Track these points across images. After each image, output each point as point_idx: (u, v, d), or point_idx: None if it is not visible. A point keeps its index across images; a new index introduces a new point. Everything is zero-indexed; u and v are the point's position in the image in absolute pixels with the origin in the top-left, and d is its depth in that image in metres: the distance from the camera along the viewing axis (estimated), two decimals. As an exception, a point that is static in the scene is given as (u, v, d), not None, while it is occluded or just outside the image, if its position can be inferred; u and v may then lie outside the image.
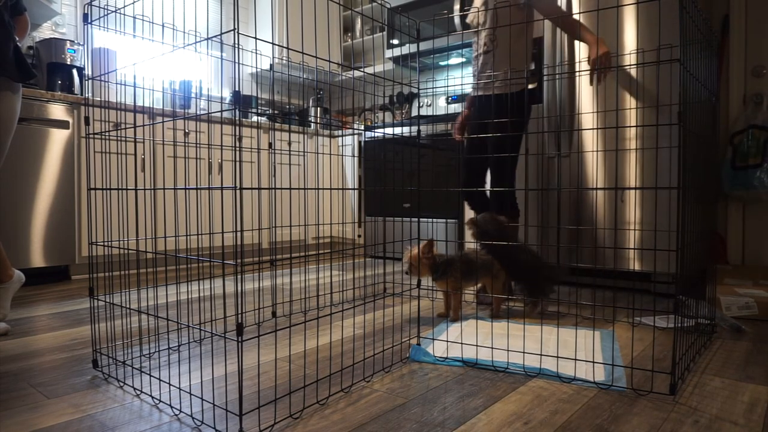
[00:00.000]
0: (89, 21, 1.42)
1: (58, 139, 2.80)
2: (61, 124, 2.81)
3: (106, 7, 1.42)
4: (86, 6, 1.47)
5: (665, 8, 2.39)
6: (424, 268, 1.98)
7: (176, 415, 1.15)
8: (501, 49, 2.30)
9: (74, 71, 3.13)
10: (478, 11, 2.39)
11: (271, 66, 3.90)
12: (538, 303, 2.11)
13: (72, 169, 2.86)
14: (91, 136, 1.84)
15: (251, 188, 0.97)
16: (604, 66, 2.15)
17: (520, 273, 2.10)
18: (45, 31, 3.33)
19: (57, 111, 2.80)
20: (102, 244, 1.26)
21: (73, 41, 3.16)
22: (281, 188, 1.06)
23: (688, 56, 1.41)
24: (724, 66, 3.04)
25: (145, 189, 1.33)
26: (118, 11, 1.44)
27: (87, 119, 1.37)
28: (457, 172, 2.46)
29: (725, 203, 3.03)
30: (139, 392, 1.28)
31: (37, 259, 2.74)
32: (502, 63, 2.31)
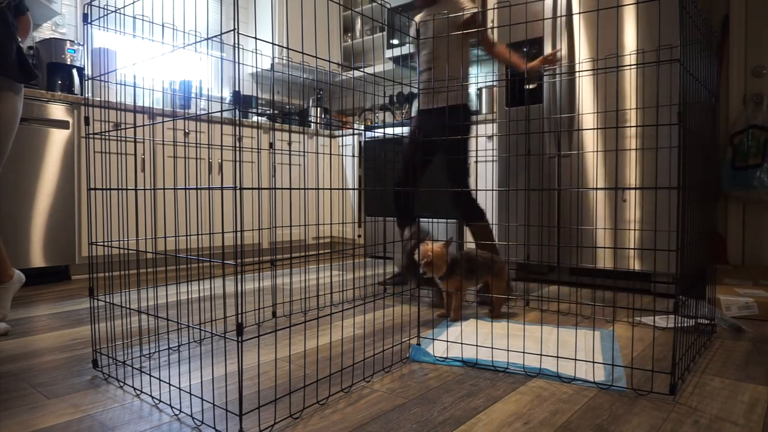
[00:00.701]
0: (89, 21, 1.42)
1: (58, 139, 2.80)
2: (61, 124, 2.81)
3: (106, 7, 1.42)
4: (86, 6, 1.47)
5: (665, 8, 2.39)
6: (444, 266, 1.97)
7: (176, 415, 1.15)
8: (440, 67, 2.52)
9: (74, 71, 3.13)
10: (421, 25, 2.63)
11: (272, 66, 3.90)
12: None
13: (72, 169, 2.86)
14: (91, 136, 1.84)
15: (251, 188, 0.97)
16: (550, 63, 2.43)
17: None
18: (45, 31, 3.33)
19: (57, 111, 2.80)
20: (102, 244, 1.26)
21: (73, 41, 3.16)
22: (281, 188, 1.06)
23: (688, 56, 1.41)
24: (724, 66, 3.04)
25: (145, 189, 1.33)
26: (118, 11, 1.44)
27: (87, 119, 1.37)
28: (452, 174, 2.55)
29: (725, 203, 3.03)
30: (139, 392, 1.28)
31: (37, 259, 2.74)
32: (441, 78, 2.54)
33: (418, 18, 2.65)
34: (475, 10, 2.51)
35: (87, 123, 1.31)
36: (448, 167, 2.50)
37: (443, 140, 2.51)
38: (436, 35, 2.54)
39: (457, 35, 2.50)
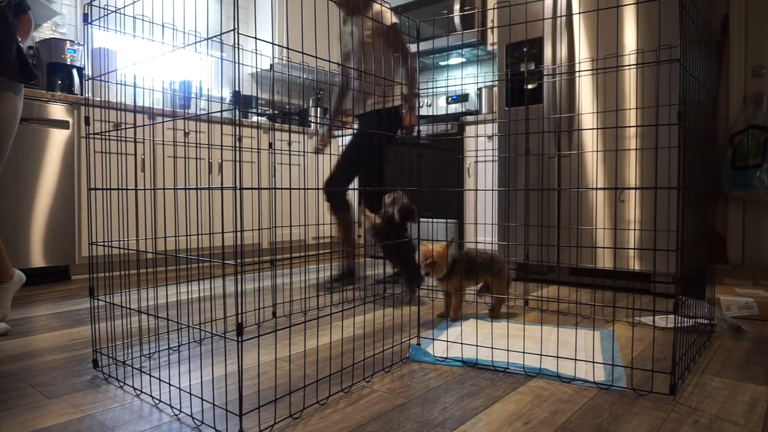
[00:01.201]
0: (89, 21, 1.42)
1: (58, 139, 2.80)
2: (61, 124, 2.81)
3: (106, 7, 1.42)
4: (86, 6, 1.47)
5: (665, 8, 2.39)
6: (445, 266, 1.97)
7: (176, 415, 1.15)
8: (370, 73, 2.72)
9: (74, 71, 3.13)
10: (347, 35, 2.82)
11: (271, 66, 3.90)
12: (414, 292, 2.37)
13: (72, 169, 2.86)
14: (91, 136, 1.84)
15: (251, 188, 0.97)
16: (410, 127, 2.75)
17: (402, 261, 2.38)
18: (45, 31, 3.33)
19: (57, 111, 2.80)
20: (102, 244, 1.27)
21: (73, 41, 3.16)
22: (281, 188, 1.06)
23: (688, 56, 1.41)
24: (724, 66, 3.04)
25: (144, 189, 1.33)
26: (118, 11, 1.44)
27: (87, 119, 1.37)
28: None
29: (725, 203, 3.03)
30: (139, 392, 1.28)
31: (37, 259, 2.74)
32: (371, 85, 2.72)
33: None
34: (395, 21, 2.67)
35: (87, 123, 1.31)
36: (375, 163, 2.69)
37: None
38: (360, 44, 2.70)
39: (380, 44, 2.67)
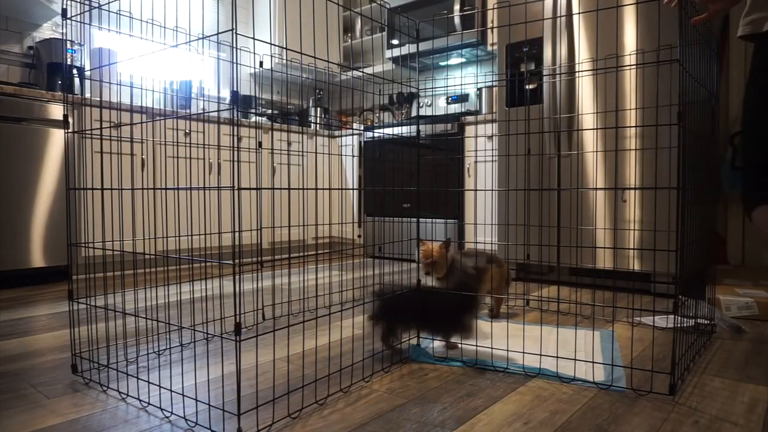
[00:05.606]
0: (68, 16, 1.38)
1: (57, 138, 2.80)
2: (61, 125, 2.81)
3: (89, 3, 1.39)
4: (64, 0, 1.40)
5: (665, 8, 2.39)
6: (445, 266, 1.95)
7: (167, 417, 1.14)
8: None
9: (74, 71, 3.13)
10: None
11: (271, 66, 3.90)
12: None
13: (72, 169, 2.86)
14: (71, 132, 1.84)
15: (249, 188, 0.97)
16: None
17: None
18: (45, 31, 3.33)
19: (57, 111, 2.80)
20: (84, 245, 1.26)
21: (73, 41, 3.16)
22: (280, 188, 1.05)
23: (688, 57, 1.41)
24: (725, 66, 3.04)
25: (132, 189, 1.32)
26: (101, 8, 1.42)
27: (66, 117, 1.36)
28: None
29: (725, 203, 3.02)
30: (124, 396, 1.27)
31: (37, 259, 2.74)
32: None
33: None
34: None
35: (65, 122, 1.30)
36: None
37: None
38: None
39: None
